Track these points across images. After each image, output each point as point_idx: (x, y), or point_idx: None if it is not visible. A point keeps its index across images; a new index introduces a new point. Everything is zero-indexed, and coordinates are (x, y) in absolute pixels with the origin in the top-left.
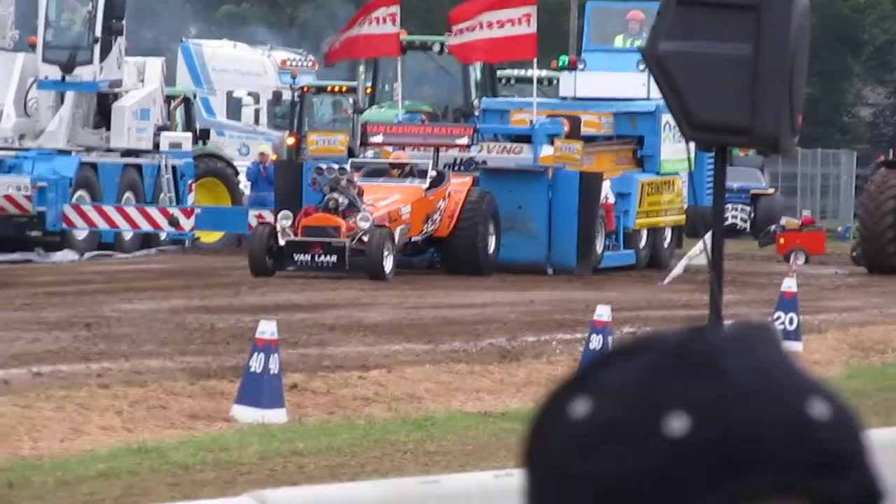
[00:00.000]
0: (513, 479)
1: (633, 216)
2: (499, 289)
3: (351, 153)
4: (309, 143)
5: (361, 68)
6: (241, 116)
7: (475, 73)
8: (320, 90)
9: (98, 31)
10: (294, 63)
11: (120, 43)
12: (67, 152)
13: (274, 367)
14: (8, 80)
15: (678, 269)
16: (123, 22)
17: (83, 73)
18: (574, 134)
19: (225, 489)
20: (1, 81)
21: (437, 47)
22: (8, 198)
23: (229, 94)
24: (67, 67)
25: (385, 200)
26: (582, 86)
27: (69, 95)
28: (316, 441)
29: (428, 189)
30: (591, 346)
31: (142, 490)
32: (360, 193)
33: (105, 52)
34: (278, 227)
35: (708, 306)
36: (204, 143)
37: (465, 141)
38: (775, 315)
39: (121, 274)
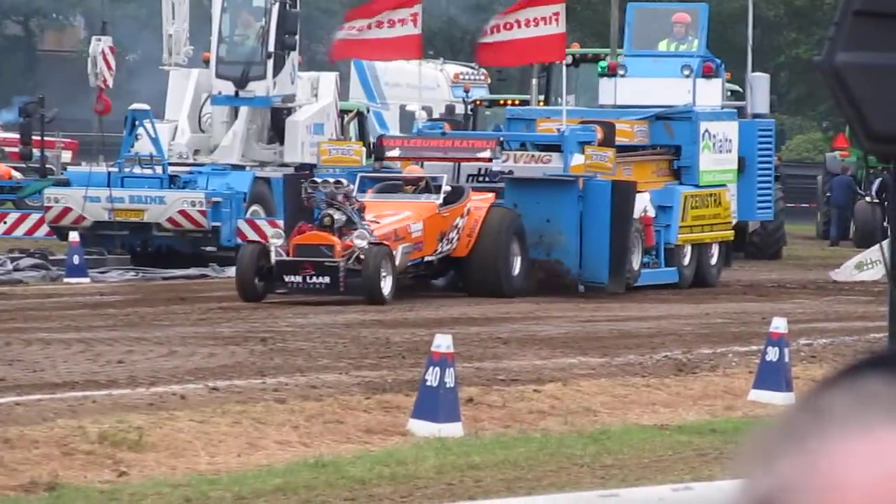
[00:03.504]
0: (691, 493)
1: (676, 231)
2: (674, 301)
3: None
4: (321, 152)
5: (533, 81)
6: (413, 130)
7: None
8: (492, 103)
9: (271, 47)
10: (466, 77)
11: (293, 58)
12: (241, 167)
13: (450, 380)
14: (182, 96)
15: (847, 271)
16: (297, 37)
17: (257, 89)
18: (608, 142)
19: (402, 503)
20: (175, 97)
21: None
22: (183, 213)
23: (402, 107)
24: (241, 83)
25: (393, 217)
26: (623, 93)
27: (243, 111)
28: (492, 455)
29: (443, 205)
30: (767, 358)
31: None
32: (362, 209)
33: (278, 68)
34: (269, 246)
35: (886, 318)
36: (377, 157)
37: (487, 154)
38: None
39: None
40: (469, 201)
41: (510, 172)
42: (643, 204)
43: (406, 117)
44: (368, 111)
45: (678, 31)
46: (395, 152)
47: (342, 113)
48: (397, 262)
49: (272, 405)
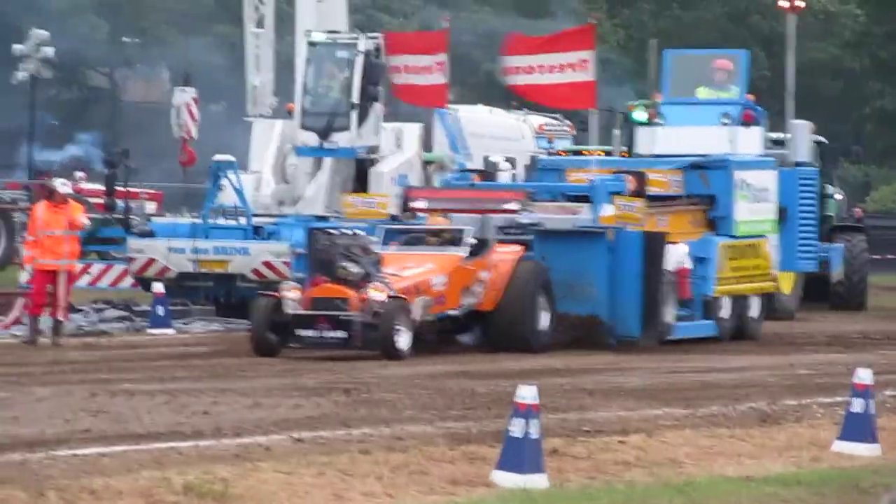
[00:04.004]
0: None
1: (713, 283)
2: (756, 353)
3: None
4: (345, 205)
5: (616, 132)
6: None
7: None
8: (576, 154)
9: (355, 98)
10: (550, 128)
11: (377, 109)
12: (325, 218)
13: (534, 431)
14: (266, 147)
15: None
16: (380, 88)
17: (341, 140)
18: (640, 192)
19: None
20: (259, 148)
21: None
22: (267, 264)
23: (485, 158)
24: (325, 134)
25: (414, 270)
26: (661, 142)
27: (327, 161)
28: None
29: (468, 258)
30: (853, 409)
31: None
32: (380, 261)
33: (362, 119)
34: (283, 299)
35: None
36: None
37: (514, 206)
38: None
39: None
40: (494, 254)
41: (539, 224)
42: (680, 256)
43: (489, 168)
44: (452, 162)
45: (719, 78)
46: (422, 203)
47: (426, 164)
48: (416, 316)
49: (357, 456)
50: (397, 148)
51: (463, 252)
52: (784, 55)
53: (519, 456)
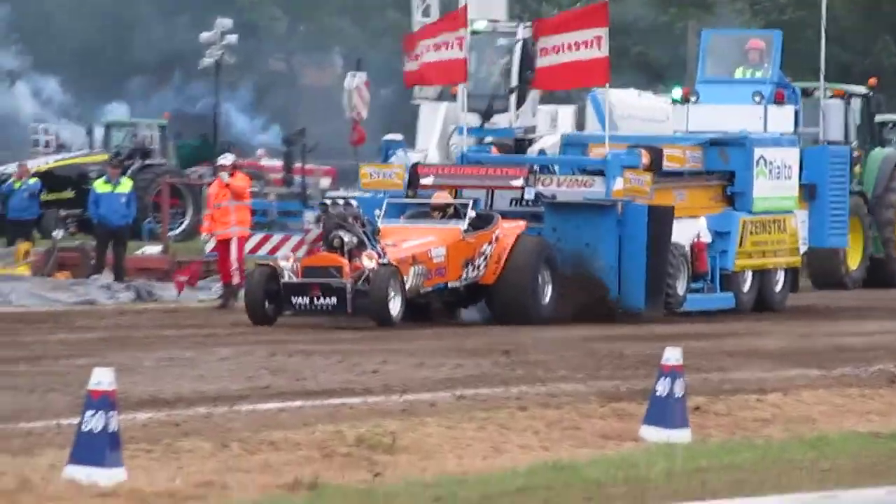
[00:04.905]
0: None
1: (733, 257)
2: (886, 318)
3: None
4: (362, 175)
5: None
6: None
7: (853, 115)
8: None
9: (514, 82)
10: None
11: (534, 92)
12: None
13: (679, 390)
14: (432, 127)
15: None
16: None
17: (500, 121)
18: (655, 167)
19: (635, 503)
20: (426, 128)
21: (817, 93)
22: None
23: None
24: (486, 115)
25: (413, 241)
26: (694, 119)
27: (488, 140)
28: (718, 459)
29: (469, 231)
30: None
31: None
32: (376, 232)
33: (520, 101)
34: (278, 268)
35: None
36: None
37: (519, 182)
38: None
39: None
40: (498, 228)
41: (553, 197)
42: (698, 229)
43: None
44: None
45: (753, 58)
46: (429, 180)
47: None
48: (409, 285)
49: (515, 412)
50: (552, 128)
51: (463, 225)
52: None
53: (664, 412)
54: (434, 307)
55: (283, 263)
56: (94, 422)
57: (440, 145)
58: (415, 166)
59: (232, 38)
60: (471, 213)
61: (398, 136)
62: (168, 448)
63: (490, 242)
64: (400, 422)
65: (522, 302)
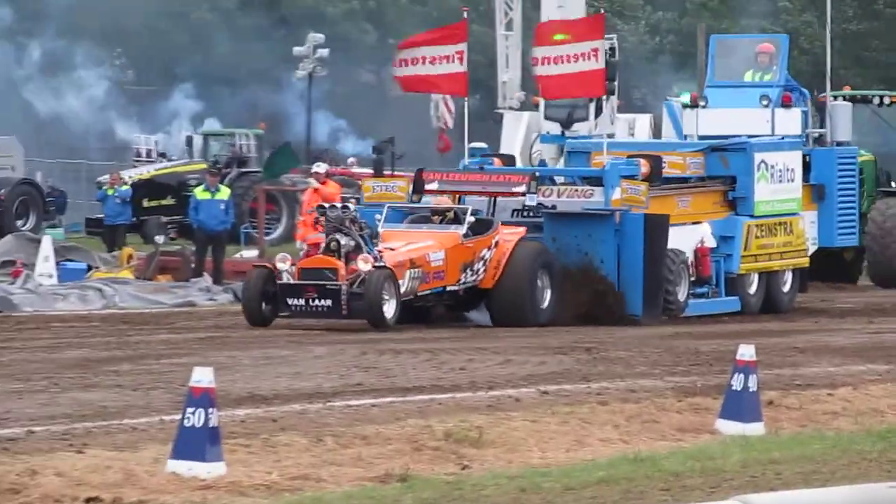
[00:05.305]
0: None
1: (738, 260)
2: None
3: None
4: (364, 189)
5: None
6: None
7: None
8: None
9: None
10: None
11: (612, 101)
12: None
13: (752, 385)
14: (515, 136)
15: None
16: (615, 83)
17: (580, 129)
18: (654, 175)
19: (711, 493)
20: (509, 136)
21: (876, 100)
22: None
23: None
24: (566, 124)
25: (412, 245)
26: (704, 124)
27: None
28: (790, 451)
29: (467, 236)
30: None
31: (638, 494)
32: (373, 235)
33: (599, 110)
34: (276, 270)
35: None
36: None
37: (521, 189)
38: None
39: None
40: (498, 234)
41: (553, 207)
42: (701, 235)
43: None
44: None
45: (762, 61)
46: (434, 185)
47: None
48: (404, 288)
49: (596, 407)
50: (630, 136)
51: (461, 230)
52: None
53: (739, 406)
54: (437, 310)
55: (280, 265)
56: (195, 418)
57: (523, 153)
58: (420, 171)
59: (323, 52)
60: (470, 219)
61: (483, 144)
62: (265, 443)
63: (490, 247)
64: (486, 417)
65: (520, 306)
